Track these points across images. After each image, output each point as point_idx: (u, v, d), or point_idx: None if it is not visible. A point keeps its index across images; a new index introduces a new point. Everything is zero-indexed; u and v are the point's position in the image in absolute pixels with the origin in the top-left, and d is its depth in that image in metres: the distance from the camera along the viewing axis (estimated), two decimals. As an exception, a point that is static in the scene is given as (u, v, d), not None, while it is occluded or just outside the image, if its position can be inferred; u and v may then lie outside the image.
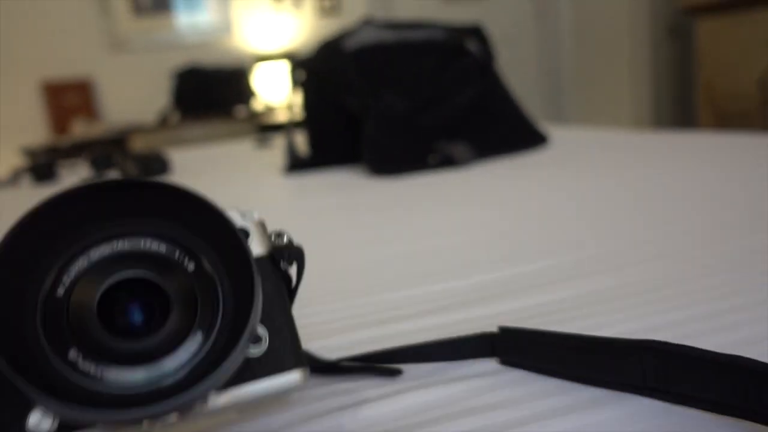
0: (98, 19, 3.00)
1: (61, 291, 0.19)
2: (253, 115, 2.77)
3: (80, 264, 0.20)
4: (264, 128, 2.37)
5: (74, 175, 1.34)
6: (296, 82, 0.99)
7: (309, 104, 0.99)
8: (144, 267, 0.20)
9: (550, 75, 3.42)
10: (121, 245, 0.20)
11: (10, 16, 2.88)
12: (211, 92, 2.81)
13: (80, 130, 2.74)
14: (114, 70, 3.03)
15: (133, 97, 3.04)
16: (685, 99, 2.81)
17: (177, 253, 0.21)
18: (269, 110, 2.92)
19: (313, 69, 0.99)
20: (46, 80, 2.91)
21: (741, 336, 0.28)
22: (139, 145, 2.17)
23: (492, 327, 0.32)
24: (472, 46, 0.96)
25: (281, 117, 2.74)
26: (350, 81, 0.93)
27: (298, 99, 1.00)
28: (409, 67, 0.95)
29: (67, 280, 0.19)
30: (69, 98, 2.93)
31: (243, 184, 1.00)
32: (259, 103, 2.94)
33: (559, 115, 3.43)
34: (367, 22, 1.06)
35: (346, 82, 0.93)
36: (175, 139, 2.20)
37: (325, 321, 0.35)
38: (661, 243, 0.43)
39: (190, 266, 0.21)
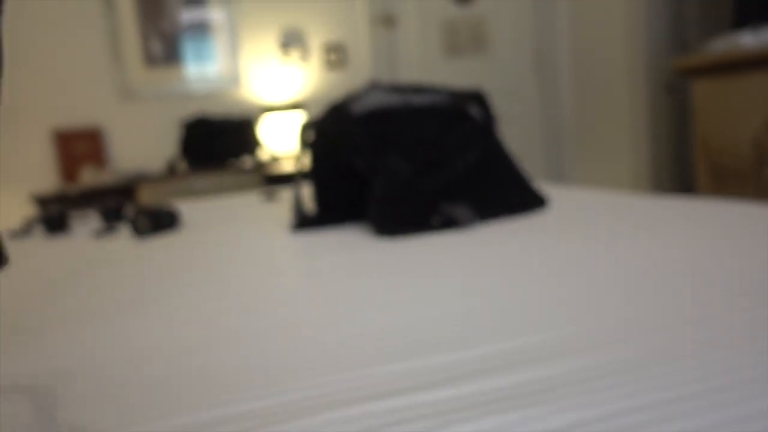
0: (110, 69, 3.09)
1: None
2: (260, 165, 2.82)
3: None
4: (270, 179, 2.42)
5: (85, 227, 1.37)
6: (305, 143, 1.03)
7: (317, 164, 1.03)
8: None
9: (551, 128, 3.49)
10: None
11: (23, 65, 2.97)
12: (219, 142, 2.87)
13: (89, 177, 2.79)
14: (124, 119, 3.11)
15: (142, 145, 3.10)
16: (683, 156, 2.87)
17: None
18: (275, 160, 2.98)
19: (322, 131, 1.03)
20: (57, 128, 2.98)
21: (732, 414, 0.30)
22: (147, 194, 2.21)
23: (487, 404, 0.34)
24: (473, 110, 1.00)
25: (287, 167, 2.80)
26: (357, 144, 0.97)
27: (306, 159, 1.04)
28: (413, 131, 0.99)
29: None
30: (79, 146, 2.99)
31: (251, 241, 1.03)
32: (265, 153, 3.00)
33: (560, 169, 3.48)
34: (374, 86, 1.10)
35: (353, 145, 0.97)
36: (183, 189, 2.24)
37: (322, 394, 0.37)
38: (652, 318, 0.46)
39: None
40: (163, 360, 0.47)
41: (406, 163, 0.93)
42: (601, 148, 3.27)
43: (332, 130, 1.02)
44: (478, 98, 1.04)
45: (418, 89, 1.10)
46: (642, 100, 2.91)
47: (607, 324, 0.45)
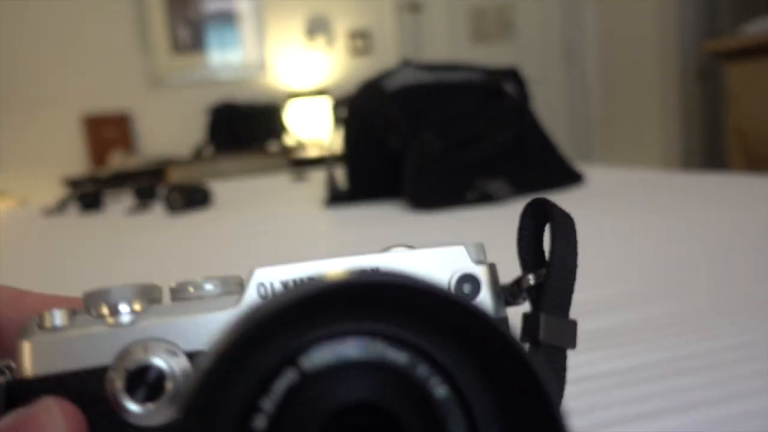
0: (138, 56, 3.12)
1: (261, 422, 0.13)
2: (285, 150, 2.83)
3: (289, 378, 0.13)
4: (297, 163, 2.43)
5: (118, 205, 1.39)
6: (338, 119, 1.03)
7: (350, 140, 1.03)
8: (376, 386, 0.13)
9: (578, 115, 3.46)
10: (344, 350, 0.13)
11: (54, 52, 3.01)
12: (245, 127, 2.89)
13: (118, 161, 2.82)
14: (152, 105, 3.14)
15: (169, 131, 3.13)
16: (714, 141, 2.82)
17: (420, 369, 0.13)
18: (300, 146, 2.99)
19: (355, 107, 1.03)
20: (87, 113, 3.02)
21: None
22: (175, 177, 2.23)
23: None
24: (509, 87, 1.00)
25: (312, 153, 2.80)
26: (391, 120, 0.97)
27: (339, 135, 1.04)
28: (447, 107, 0.99)
29: (269, 404, 0.13)
30: (108, 131, 3.03)
31: (285, 215, 1.03)
32: (290, 139, 3.01)
33: (587, 155, 3.44)
34: (406, 64, 1.10)
35: (386, 121, 0.97)
36: (210, 171, 2.26)
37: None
38: (685, 282, 0.45)
39: (440, 390, 0.13)
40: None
41: (440, 139, 0.93)
42: (629, 135, 3.23)
43: (365, 106, 1.02)
44: (513, 75, 1.03)
45: (451, 67, 1.09)
46: (672, 86, 2.86)
47: (648, 284, 0.45)
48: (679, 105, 2.85)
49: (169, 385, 0.15)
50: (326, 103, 3.18)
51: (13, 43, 2.94)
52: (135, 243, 0.93)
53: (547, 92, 3.45)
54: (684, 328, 0.35)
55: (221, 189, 1.51)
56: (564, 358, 0.18)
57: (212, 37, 3.23)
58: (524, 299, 0.18)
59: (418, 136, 0.94)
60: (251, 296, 0.16)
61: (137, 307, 0.16)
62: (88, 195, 1.36)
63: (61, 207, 1.41)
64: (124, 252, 0.86)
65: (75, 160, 3.04)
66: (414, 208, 0.89)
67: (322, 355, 0.13)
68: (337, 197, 1.01)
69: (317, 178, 1.51)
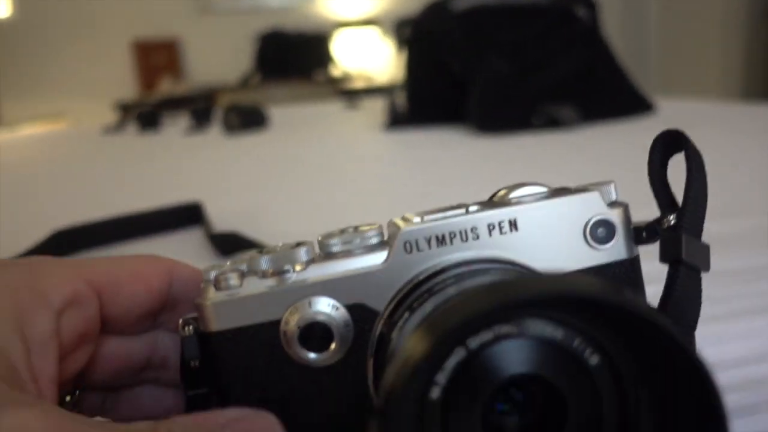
0: (186, -19, 3.09)
1: (436, 392, 0.15)
2: (332, 80, 2.80)
3: (459, 355, 0.14)
4: (346, 92, 2.41)
5: (175, 126, 1.40)
6: (401, 41, 1.01)
7: (412, 62, 1.01)
8: (536, 360, 0.15)
9: (635, 59, 3.32)
10: (506, 329, 0.15)
11: (105, -25, 3.00)
12: (292, 56, 2.86)
13: (167, 87, 2.84)
14: (200, 31, 3.12)
15: (217, 57, 3.12)
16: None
17: (576, 342, 0.15)
18: (347, 77, 2.95)
19: (419, 28, 1.01)
20: (136, 39, 3.03)
21: None
22: (224, 103, 2.24)
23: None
24: (580, 11, 0.96)
25: (358, 84, 2.77)
26: (456, 42, 0.94)
27: (401, 57, 1.02)
28: (514, 30, 0.95)
29: (442, 378, 0.15)
30: (157, 57, 3.04)
31: (343, 138, 1.03)
32: (337, 69, 2.98)
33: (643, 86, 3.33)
34: (472, -15, 1.06)
35: (451, 43, 0.94)
36: (257, 98, 2.25)
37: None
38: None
39: (594, 359, 0.15)
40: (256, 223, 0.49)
41: (507, 63, 0.91)
42: (687, 69, 3.09)
43: (429, 28, 1.00)
44: (585, 0, 0.98)
45: (519, -11, 1.05)
46: (737, 27, 2.71)
47: (746, 199, 0.44)
48: (743, 49, 2.71)
49: (335, 336, 0.18)
50: (374, 34, 3.12)
51: (64, -36, 2.94)
52: (195, 160, 0.94)
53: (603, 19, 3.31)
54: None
55: (274, 113, 1.52)
56: (699, 279, 0.18)
57: (260, -38, 3.16)
58: (658, 239, 0.18)
59: (486, 59, 0.91)
60: (399, 254, 0.18)
61: (298, 267, 0.18)
62: (146, 114, 1.38)
63: (119, 126, 1.43)
64: (185, 169, 0.88)
65: (125, 86, 3.07)
66: (479, 131, 0.88)
67: (486, 336, 0.15)
68: (396, 120, 1.00)
69: (369, 107, 1.50)
